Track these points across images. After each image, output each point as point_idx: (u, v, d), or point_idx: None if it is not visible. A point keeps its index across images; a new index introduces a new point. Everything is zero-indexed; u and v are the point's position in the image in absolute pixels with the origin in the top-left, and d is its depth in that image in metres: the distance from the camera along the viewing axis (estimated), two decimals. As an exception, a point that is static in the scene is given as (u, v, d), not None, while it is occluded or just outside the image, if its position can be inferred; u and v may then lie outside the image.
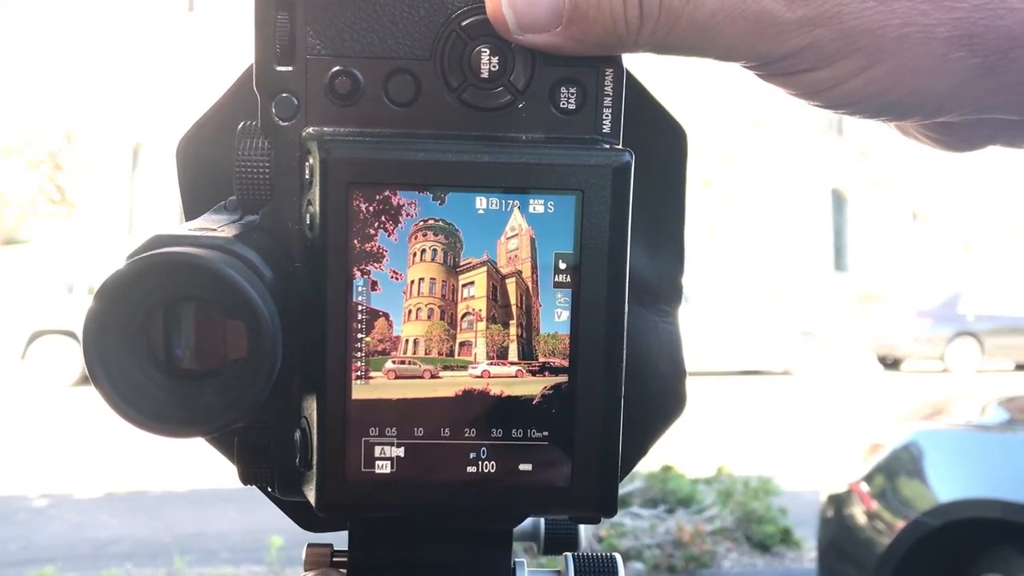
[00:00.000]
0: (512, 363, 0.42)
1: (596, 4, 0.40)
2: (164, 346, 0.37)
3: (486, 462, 0.42)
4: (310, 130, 0.42)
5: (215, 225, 0.41)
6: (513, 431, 0.42)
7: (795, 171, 16.43)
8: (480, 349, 0.42)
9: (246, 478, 0.44)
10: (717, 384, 10.28)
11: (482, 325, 0.42)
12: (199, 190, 0.47)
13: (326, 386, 0.41)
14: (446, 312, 0.42)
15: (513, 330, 0.42)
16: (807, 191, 17.14)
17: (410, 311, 0.41)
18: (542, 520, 0.58)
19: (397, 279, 0.41)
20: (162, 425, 0.37)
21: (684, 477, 5.09)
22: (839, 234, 18.00)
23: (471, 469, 0.42)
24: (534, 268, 0.42)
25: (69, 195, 15.55)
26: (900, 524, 3.05)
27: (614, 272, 0.41)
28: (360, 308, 0.41)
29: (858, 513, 3.25)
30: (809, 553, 4.66)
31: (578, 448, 0.42)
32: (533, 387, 0.42)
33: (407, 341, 0.41)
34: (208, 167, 0.46)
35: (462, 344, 0.42)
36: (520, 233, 0.41)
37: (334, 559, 0.50)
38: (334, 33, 0.42)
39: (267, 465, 0.44)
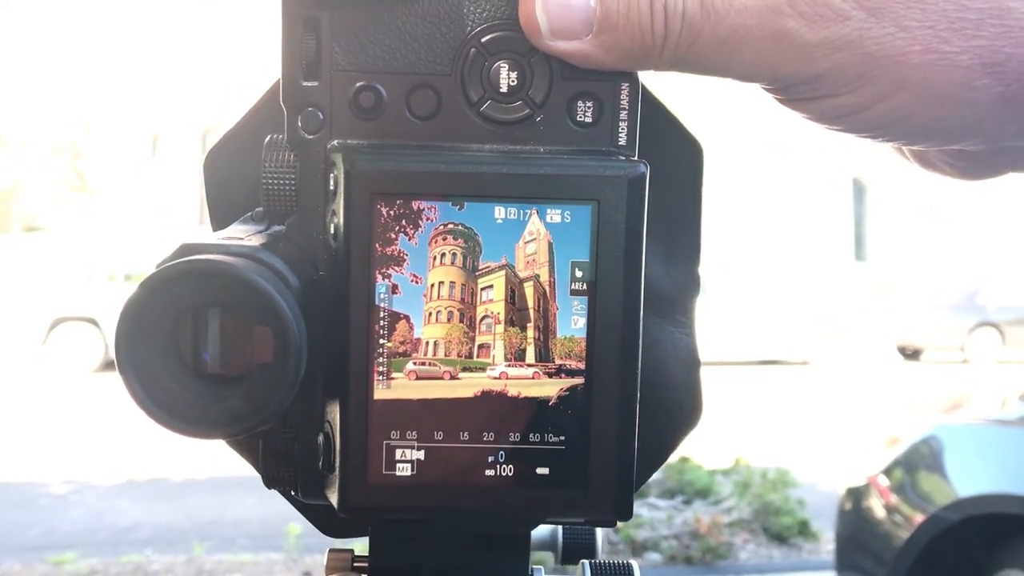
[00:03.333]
0: (529, 365, 0.43)
1: (626, 15, 0.41)
2: (193, 350, 0.39)
3: (504, 466, 0.43)
4: (335, 143, 0.43)
5: (243, 235, 0.42)
6: (531, 435, 0.43)
7: (816, 160, 16.32)
8: (498, 351, 0.43)
9: (270, 482, 0.45)
10: (735, 374, 10.26)
11: (500, 328, 0.43)
12: (226, 202, 0.48)
13: (349, 386, 0.42)
14: (465, 315, 0.43)
15: (530, 333, 0.43)
16: (828, 180, 17.03)
17: (430, 314, 0.42)
18: (560, 529, 0.58)
19: (417, 283, 0.42)
20: (189, 427, 0.38)
21: (702, 468, 5.09)
22: (859, 223, 17.88)
23: (489, 472, 0.43)
24: (552, 272, 0.42)
25: (89, 183, 15.64)
26: (919, 518, 3.04)
27: (630, 280, 0.42)
28: (382, 311, 0.42)
29: (877, 506, 3.24)
30: (827, 545, 4.64)
31: (594, 452, 0.43)
32: (549, 389, 0.43)
33: (427, 343, 0.42)
34: (235, 180, 0.48)
35: (480, 346, 0.43)
36: (538, 238, 0.42)
37: (355, 564, 0.51)
38: (358, 50, 0.43)
39: (291, 469, 0.44)
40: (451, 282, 0.42)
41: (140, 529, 5.21)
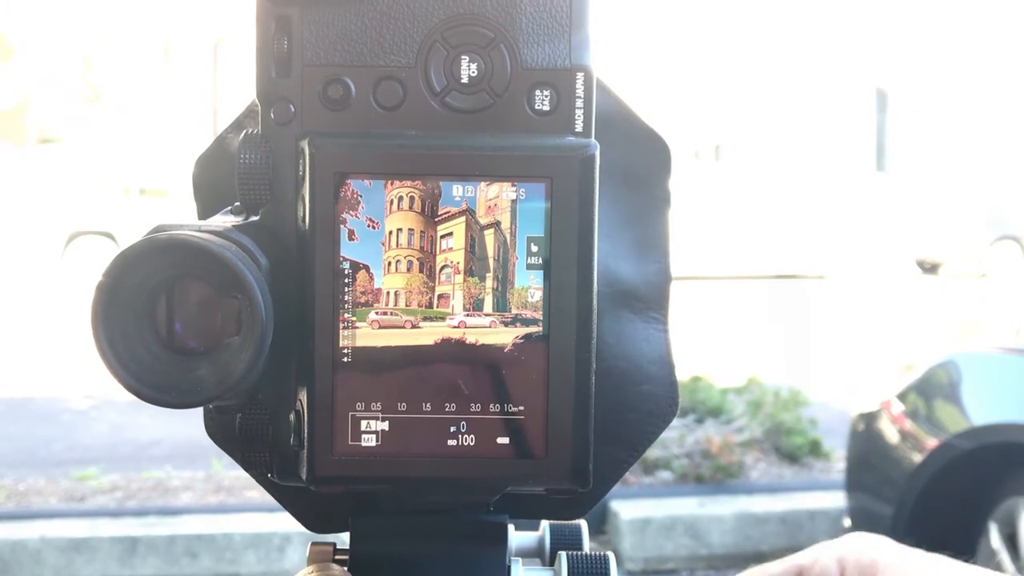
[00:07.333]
0: (487, 315, 0.44)
1: None
2: (166, 324, 0.41)
3: (465, 436, 0.44)
4: (303, 132, 0.45)
5: (218, 221, 0.44)
6: (491, 406, 0.44)
7: (838, 68, 15.98)
8: (457, 301, 0.44)
9: (248, 464, 0.47)
10: (750, 289, 10.23)
11: (459, 278, 0.44)
12: (214, 206, 0.50)
13: (315, 334, 0.43)
14: (425, 264, 0.44)
15: (489, 283, 0.44)
16: (850, 89, 16.69)
17: (389, 263, 0.44)
18: (547, 532, 0.58)
19: (374, 228, 0.43)
20: (159, 396, 0.40)
21: (714, 387, 5.10)
22: (881, 133, 17.59)
23: (451, 442, 0.45)
24: (514, 218, 0.43)
25: (102, 94, 15.52)
26: (932, 444, 3.04)
27: (583, 253, 0.44)
28: (343, 262, 0.44)
29: (889, 431, 3.24)
30: (838, 464, 4.67)
31: (552, 420, 0.44)
32: (505, 336, 0.44)
33: (388, 293, 0.44)
34: (220, 184, 0.49)
35: (440, 296, 0.44)
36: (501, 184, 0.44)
37: (336, 557, 0.52)
38: (327, 46, 0.45)
39: (266, 451, 0.47)
40: (409, 229, 0.43)
41: (160, 445, 5.30)
